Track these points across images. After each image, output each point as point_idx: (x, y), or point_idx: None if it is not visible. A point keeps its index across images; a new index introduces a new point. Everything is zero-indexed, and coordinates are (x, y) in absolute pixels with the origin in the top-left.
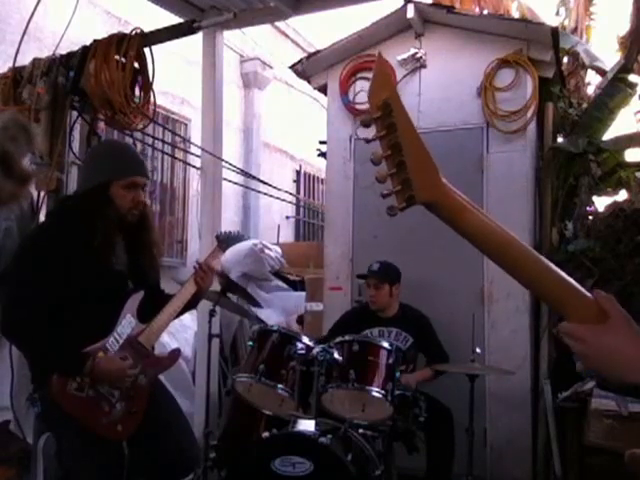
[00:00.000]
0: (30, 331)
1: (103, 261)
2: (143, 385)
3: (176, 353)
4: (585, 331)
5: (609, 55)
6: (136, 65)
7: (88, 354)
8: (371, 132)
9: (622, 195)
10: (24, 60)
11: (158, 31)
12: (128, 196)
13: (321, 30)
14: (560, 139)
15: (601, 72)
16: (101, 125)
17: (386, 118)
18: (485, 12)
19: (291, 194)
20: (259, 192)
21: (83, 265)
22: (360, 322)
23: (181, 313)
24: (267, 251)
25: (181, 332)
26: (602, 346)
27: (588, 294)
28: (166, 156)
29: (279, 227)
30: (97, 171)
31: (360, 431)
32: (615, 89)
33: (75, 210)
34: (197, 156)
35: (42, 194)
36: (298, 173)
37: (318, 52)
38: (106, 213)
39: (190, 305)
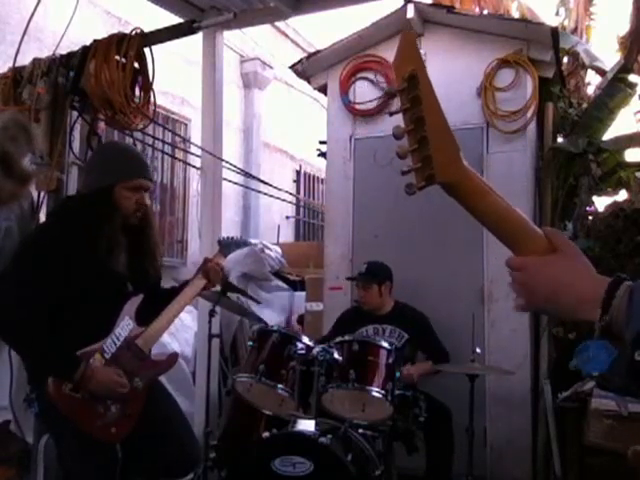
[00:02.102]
0: (29, 331)
1: (106, 263)
2: (139, 388)
3: (173, 357)
4: (529, 261)
5: (609, 55)
6: (136, 65)
7: (81, 359)
8: (370, 130)
9: (622, 195)
10: (24, 60)
11: (158, 31)
12: (132, 198)
13: (321, 30)
14: (560, 139)
15: (601, 72)
16: (101, 125)
17: (411, 90)
18: (485, 12)
19: (291, 194)
20: (259, 192)
21: (83, 266)
22: (356, 321)
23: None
24: (267, 251)
25: (181, 332)
26: (549, 277)
27: (539, 231)
28: (166, 156)
29: (279, 227)
30: (102, 173)
31: (360, 431)
32: (615, 89)
33: (77, 211)
34: (197, 156)
35: (42, 194)
36: (298, 173)
37: (318, 52)
38: (111, 216)
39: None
